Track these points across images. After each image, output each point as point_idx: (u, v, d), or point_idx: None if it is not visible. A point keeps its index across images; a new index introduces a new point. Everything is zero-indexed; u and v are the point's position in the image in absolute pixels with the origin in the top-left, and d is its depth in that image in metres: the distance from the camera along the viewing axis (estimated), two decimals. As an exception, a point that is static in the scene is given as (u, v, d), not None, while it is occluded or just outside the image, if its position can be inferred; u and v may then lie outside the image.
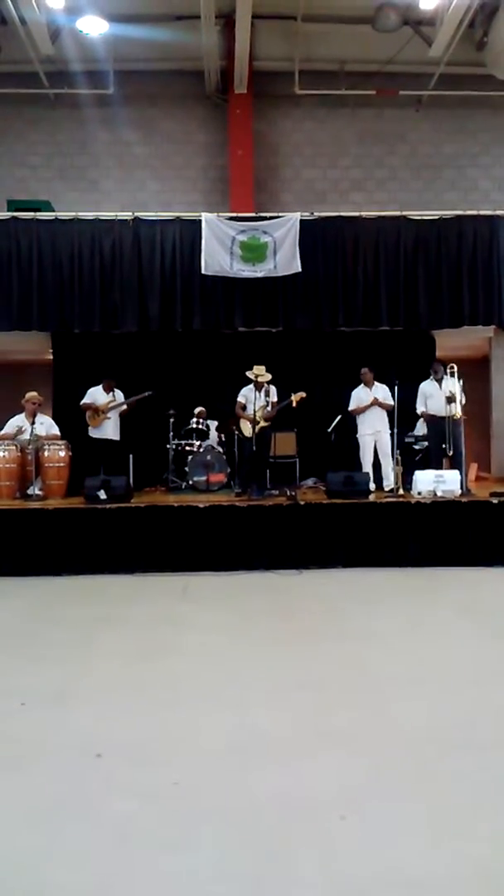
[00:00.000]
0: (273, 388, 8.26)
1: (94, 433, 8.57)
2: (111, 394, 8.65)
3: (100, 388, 8.67)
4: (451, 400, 7.93)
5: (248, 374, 8.20)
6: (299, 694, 3.72)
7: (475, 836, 2.41)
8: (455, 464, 7.93)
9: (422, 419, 8.77)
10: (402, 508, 7.21)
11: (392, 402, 8.17)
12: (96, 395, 8.64)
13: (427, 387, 8.33)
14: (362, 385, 8.62)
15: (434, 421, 8.20)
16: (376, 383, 8.56)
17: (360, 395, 8.57)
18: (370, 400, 8.44)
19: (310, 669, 4.13)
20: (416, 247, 9.14)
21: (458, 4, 9.19)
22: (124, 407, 8.70)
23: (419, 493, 7.42)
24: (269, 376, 8.21)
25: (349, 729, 3.27)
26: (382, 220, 9.23)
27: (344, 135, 11.28)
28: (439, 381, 8.20)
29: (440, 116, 11.31)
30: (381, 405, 8.39)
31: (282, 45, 10.60)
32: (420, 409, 8.35)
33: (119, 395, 8.72)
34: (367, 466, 8.42)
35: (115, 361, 9.28)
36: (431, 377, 8.32)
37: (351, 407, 8.62)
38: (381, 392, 8.47)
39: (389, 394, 8.28)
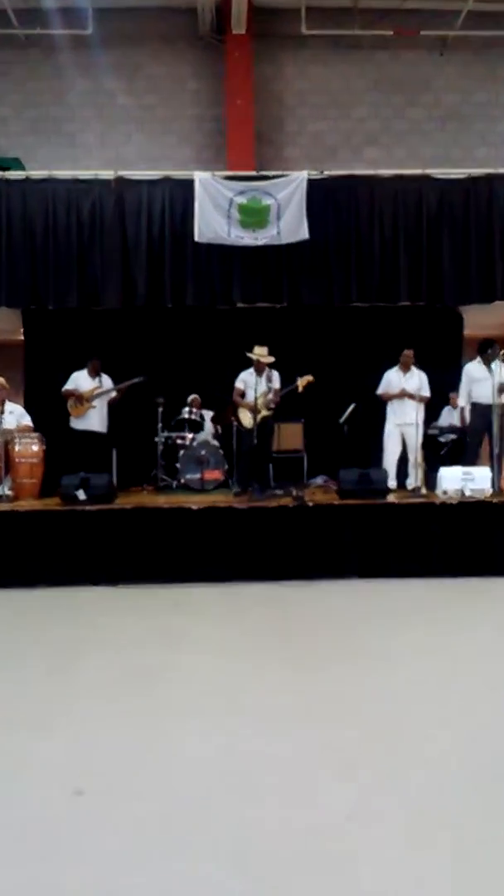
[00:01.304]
0: (276, 374, 8.25)
1: (76, 424, 8.55)
2: (97, 379, 8.63)
3: (84, 372, 8.65)
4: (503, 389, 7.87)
5: (249, 355, 8.17)
6: (307, 725, 3.69)
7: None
8: (497, 460, 7.86)
9: (448, 407, 8.76)
10: (426, 510, 7.20)
11: (428, 394, 8.14)
12: (80, 380, 8.62)
13: (474, 370, 8.26)
14: (397, 368, 8.55)
15: (480, 410, 8.10)
16: (414, 369, 8.51)
17: (391, 379, 8.51)
18: (399, 389, 8.40)
19: (319, 697, 4.09)
20: (440, 210, 9.07)
21: None
22: (113, 394, 8.68)
23: (445, 493, 7.40)
24: (271, 359, 8.19)
25: (364, 767, 3.23)
26: (402, 180, 9.17)
27: (357, 82, 11.23)
28: (488, 363, 8.09)
29: (468, 60, 11.25)
30: (411, 398, 8.34)
31: (286, -23, 10.56)
32: (463, 395, 8.29)
33: (106, 381, 8.71)
34: (391, 462, 8.41)
35: (94, 342, 9.26)
36: (478, 359, 8.24)
37: (379, 391, 8.57)
38: (418, 380, 8.43)
39: (427, 383, 8.26)
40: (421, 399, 8.33)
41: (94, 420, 8.55)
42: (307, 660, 4.77)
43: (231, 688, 4.27)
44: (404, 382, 8.43)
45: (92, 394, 8.52)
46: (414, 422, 8.29)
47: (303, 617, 5.89)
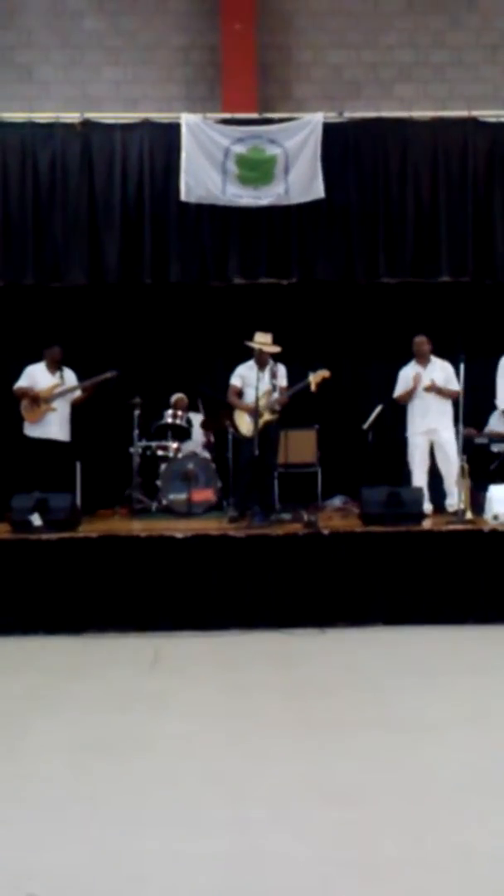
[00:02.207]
0: (282, 368, 8.27)
1: (31, 431, 8.57)
2: (57, 374, 8.65)
3: (41, 365, 8.67)
4: None
5: (248, 344, 8.19)
6: (324, 811, 3.69)
7: None
8: None
9: (499, 411, 8.77)
10: (471, 539, 7.20)
11: (458, 388, 8.17)
12: (36, 375, 8.64)
13: None
14: (413, 361, 8.62)
15: None
16: (434, 359, 8.55)
17: (409, 376, 8.57)
18: (426, 383, 8.43)
19: (339, 775, 4.09)
20: (491, 162, 9.11)
21: None
22: (77, 393, 8.69)
23: (495, 518, 7.41)
24: (277, 349, 8.21)
25: (398, 862, 3.24)
26: (442, 124, 9.19)
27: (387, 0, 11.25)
28: None
29: (524, -27, 11.28)
30: (441, 392, 8.38)
31: None
32: (501, 394, 8.35)
33: (69, 377, 8.72)
34: (421, 479, 8.44)
35: (55, 329, 9.28)
36: None
37: (397, 393, 8.63)
38: (442, 372, 8.47)
39: (454, 374, 8.28)
40: (447, 394, 8.37)
41: (53, 426, 8.56)
42: (322, 727, 4.76)
43: (226, 762, 4.27)
44: (426, 378, 8.47)
45: (51, 393, 8.53)
46: (443, 426, 8.32)
47: (315, 675, 5.87)
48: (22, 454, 8.57)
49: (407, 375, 8.59)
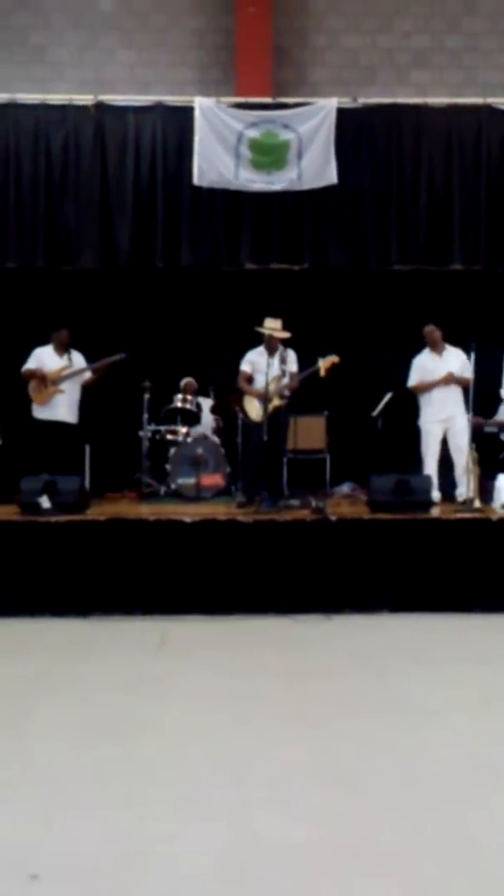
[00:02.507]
0: (292, 353, 8.27)
1: (39, 413, 8.59)
2: (66, 356, 8.66)
3: (49, 348, 8.68)
4: None
5: (258, 330, 8.19)
6: (325, 794, 3.71)
7: None
8: None
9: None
10: (479, 528, 7.21)
11: (470, 376, 8.17)
12: (44, 357, 8.65)
13: None
14: (427, 350, 8.61)
15: None
16: (448, 347, 8.54)
17: (424, 365, 8.57)
18: (443, 373, 8.41)
19: (340, 759, 4.11)
20: (505, 149, 9.10)
21: None
22: (88, 375, 8.71)
23: (503, 507, 7.42)
24: (286, 334, 8.20)
25: (397, 847, 3.26)
26: (457, 111, 9.15)
27: (403, -16, 11.19)
28: None
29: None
30: (457, 381, 8.36)
31: None
32: None
33: (78, 359, 8.73)
34: (432, 467, 8.45)
35: (65, 311, 9.29)
36: None
37: (412, 382, 8.63)
38: (456, 360, 8.45)
39: (467, 362, 8.27)
40: (462, 383, 8.36)
41: (61, 408, 8.58)
42: (327, 712, 4.78)
43: (230, 745, 4.29)
44: (442, 367, 8.46)
45: (59, 375, 8.55)
46: (458, 414, 8.31)
47: (320, 660, 5.89)
48: (30, 436, 8.59)
49: (422, 364, 8.58)
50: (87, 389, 8.78)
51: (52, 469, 7.79)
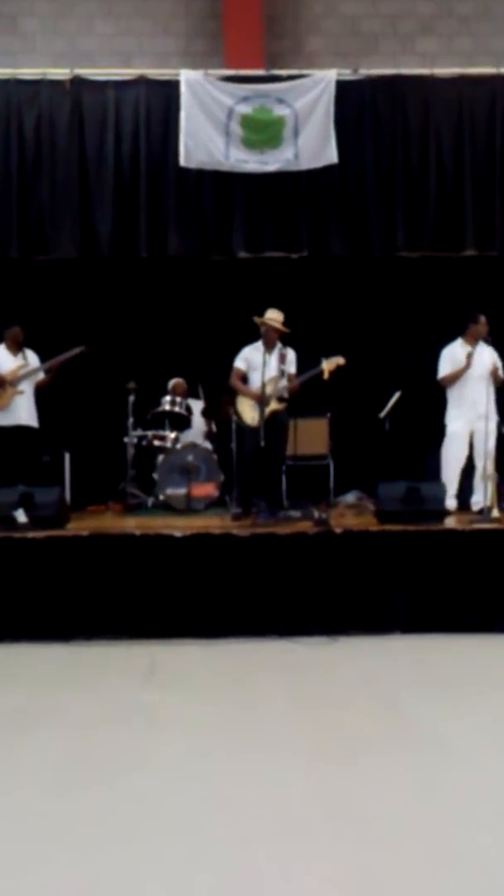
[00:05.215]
0: (291, 351, 8.26)
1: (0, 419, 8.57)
2: (20, 355, 8.65)
3: (1, 347, 8.66)
4: None
5: (256, 321, 8.17)
6: (332, 837, 3.67)
7: None
8: None
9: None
10: (498, 540, 7.19)
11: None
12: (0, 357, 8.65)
13: None
14: (461, 341, 8.54)
15: None
16: (481, 342, 8.46)
17: (456, 357, 8.50)
18: (490, 366, 8.33)
19: (349, 797, 4.07)
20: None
21: None
22: (41, 375, 8.69)
23: (524, 517, 7.45)
24: (285, 329, 8.17)
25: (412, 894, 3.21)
26: (468, 81, 9.16)
27: None
28: None
29: None
30: (495, 378, 8.32)
31: None
32: None
33: (32, 357, 8.74)
34: (454, 472, 8.43)
35: (40, 306, 9.29)
36: None
37: (442, 373, 8.55)
38: (490, 358, 8.44)
39: (499, 360, 8.25)
40: (499, 381, 8.34)
41: (22, 411, 8.59)
42: (333, 745, 4.75)
43: (227, 782, 4.25)
44: (475, 361, 8.40)
45: (16, 375, 8.53)
46: (491, 414, 8.23)
47: (327, 688, 5.86)
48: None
49: (455, 355, 8.50)
50: (41, 392, 8.73)
51: (19, 479, 7.79)
